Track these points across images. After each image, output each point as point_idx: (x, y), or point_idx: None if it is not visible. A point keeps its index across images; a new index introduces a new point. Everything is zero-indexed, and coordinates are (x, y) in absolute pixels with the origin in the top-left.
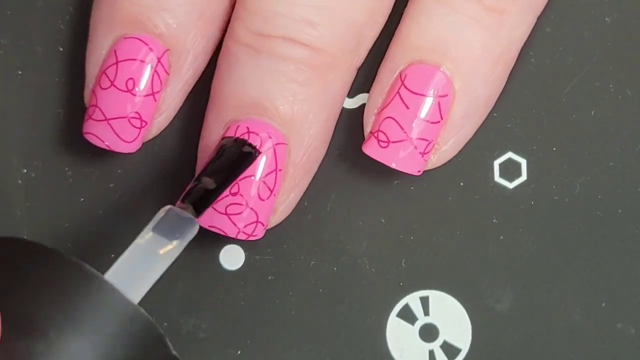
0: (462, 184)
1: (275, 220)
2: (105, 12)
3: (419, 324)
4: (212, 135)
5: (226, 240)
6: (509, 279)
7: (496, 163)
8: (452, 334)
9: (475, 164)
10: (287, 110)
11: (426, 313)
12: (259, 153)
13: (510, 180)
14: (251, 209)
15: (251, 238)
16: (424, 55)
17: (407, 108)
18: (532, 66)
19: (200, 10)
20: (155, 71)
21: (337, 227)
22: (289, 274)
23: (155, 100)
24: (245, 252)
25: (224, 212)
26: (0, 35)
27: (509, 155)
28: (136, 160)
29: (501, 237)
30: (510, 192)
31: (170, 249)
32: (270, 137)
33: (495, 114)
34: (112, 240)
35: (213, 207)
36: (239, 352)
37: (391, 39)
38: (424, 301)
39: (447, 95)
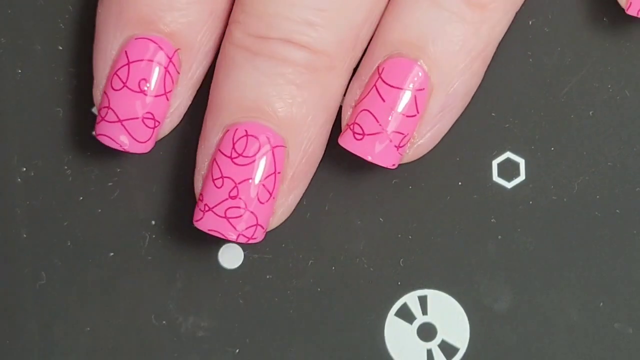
0: (460, 183)
1: (274, 222)
2: (115, 12)
3: (417, 323)
4: (210, 140)
5: (225, 239)
6: (507, 278)
7: (495, 163)
8: (450, 333)
9: (474, 164)
10: (285, 113)
11: (424, 312)
12: None
13: (509, 180)
14: (251, 212)
15: (251, 241)
16: (402, 48)
17: (383, 101)
18: (530, 66)
19: (210, 8)
20: (167, 71)
21: (336, 226)
22: (288, 273)
23: (168, 100)
24: (244, 251)
25: (223, 215)
26: (0, 34)
27: (508, 155)
28: (135, 159)
29: (499, 237)
30: (509, 192)
31: None
32: (268, 140)
33: (493, 114)
34: (111, 239)
35: (212, 211)
36: (238, 350)
37: None
38: (422, 300)
39: (423, 89)
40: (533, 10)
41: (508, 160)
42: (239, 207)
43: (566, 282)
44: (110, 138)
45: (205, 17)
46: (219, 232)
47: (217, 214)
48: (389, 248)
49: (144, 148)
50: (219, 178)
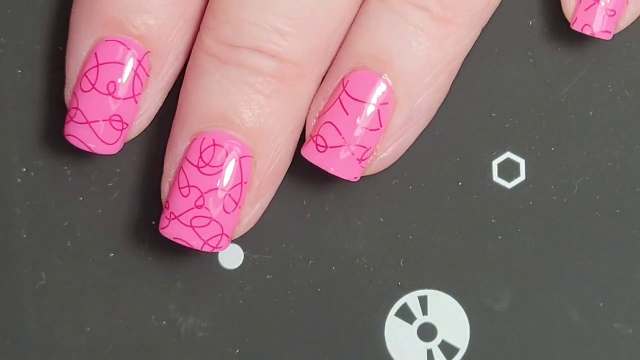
0: (460, 183)
1: (240, 231)
2: (86, 13)
3: (417, 324)
4: (177, 147)
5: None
6: (507, 278)
7: (495, 163)
8: (450, 334)
9: (474, 164)
10: (253, 123)
11: (424, 312)
12: None
13: (509, 180)
14: (216, 221)
15: (216, 250)
16: (367, 62)
17: (347, 114)
18: (530, 66)
19: (181, 11)
20: (136, 73)
21: (336, 227)
22: (288, 273)
23: (136, 102)
24: (244, 251)
25: (189, 224)
26: (0, 34)
27: (508, 155)
28: (135, 159)
29: (500, 237)
30: (509, 192)
31: None
32: (236, 150)
33: (493, 114)
34: (111, 239)
35: (178, 219)
36: (237, 350)
37: None
38: (422, 300)
39: (387, 103)
40: (533, 10)
41: (508, 160)
42: (205, 217)
43: (566, 282)
44: (78, 139)
45: (175, 20)
46: (184, 241)
47: (182, 223)
48: (389, 248)
49: (112, 150)
50: (185, 187)
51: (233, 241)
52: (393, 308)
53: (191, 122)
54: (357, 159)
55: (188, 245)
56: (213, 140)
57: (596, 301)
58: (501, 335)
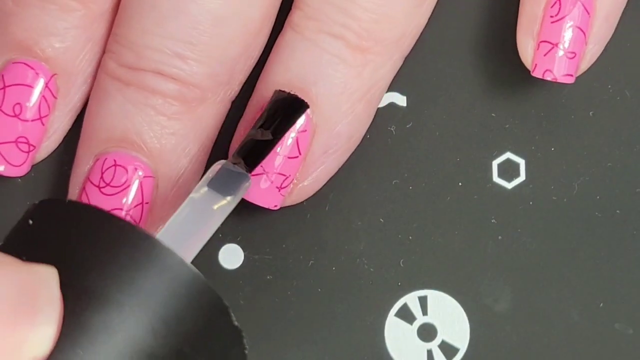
0: (460, 184)
1: None
2: None
3: (417, 324)
4: (81, 167)
5: (225, 239)
6: (507, 279)
7: (495, 163)
8: (450, 334)
9: (474, 164)
10: (154, 144)
11: (425, 313)
12: (307, 106)
13: (509, 180)
14: None
15: None
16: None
17: None
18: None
19: (88, 34)
20: (43, 96)
21: (336, 227)
22: (288, 274)
23: (43, 125)
24: (244, 251)
25: None
26: None
27: (508, 155)
28: None
29: (500, 237)
30: (509, 192)
31: (224, 205)
32: (136, 171)
33: (493, 114)
34: None
35: None
36: None
37: None
38: (423, 301)
39: (306, 131)
40: None
41: (508, 160)
42: None
43: (566, 282)
44: None
45: (83, 42)
46: None
47: None
48: (389, 248)
49: (18, 172)
50: None
51: (233, 241)
52: (393, 308)
53: (94, 143)
54: (277, 187)
55: None
56: (114, 160)
57: (596, 301)
58: (501, 335)
